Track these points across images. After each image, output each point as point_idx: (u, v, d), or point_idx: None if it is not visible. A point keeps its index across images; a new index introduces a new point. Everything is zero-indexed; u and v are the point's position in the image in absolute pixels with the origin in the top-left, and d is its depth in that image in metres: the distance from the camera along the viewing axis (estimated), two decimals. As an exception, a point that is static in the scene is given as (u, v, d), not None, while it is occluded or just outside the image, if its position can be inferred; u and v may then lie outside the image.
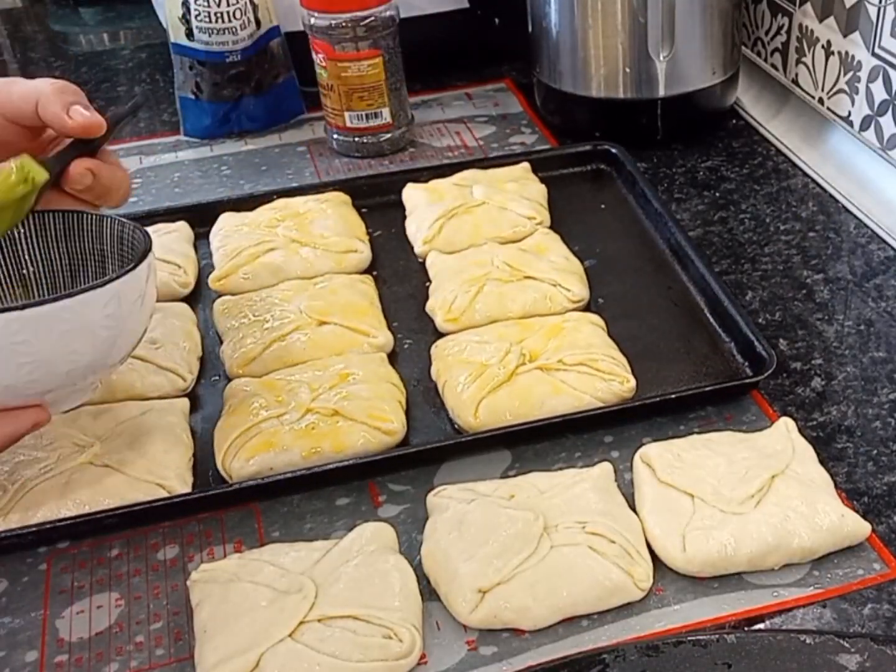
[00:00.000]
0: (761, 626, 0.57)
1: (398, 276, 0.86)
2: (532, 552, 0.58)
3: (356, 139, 1.04)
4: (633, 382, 0.71)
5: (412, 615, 0.56)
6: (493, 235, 0.86)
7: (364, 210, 0.92)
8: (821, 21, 0.96)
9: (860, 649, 0.50)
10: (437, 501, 0.63)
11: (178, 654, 0.58)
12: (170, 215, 0.92)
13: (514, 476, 0.66)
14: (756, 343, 0.72)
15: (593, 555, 0.58)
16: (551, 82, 1.04)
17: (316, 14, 0.98)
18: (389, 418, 0.68)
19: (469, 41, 1.18)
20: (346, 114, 1.03)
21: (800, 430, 0.66)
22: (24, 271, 0.67)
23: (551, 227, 0.88)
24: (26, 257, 0.67)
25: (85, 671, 0.57)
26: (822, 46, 0.97)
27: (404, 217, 0.92)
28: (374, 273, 0.86)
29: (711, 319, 0.78)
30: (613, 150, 0.97)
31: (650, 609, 0.58)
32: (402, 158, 1.05)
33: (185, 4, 1.02)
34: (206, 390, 0.76)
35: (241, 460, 0.66)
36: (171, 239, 0.88)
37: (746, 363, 0.73)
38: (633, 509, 0.62)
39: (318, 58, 1.01)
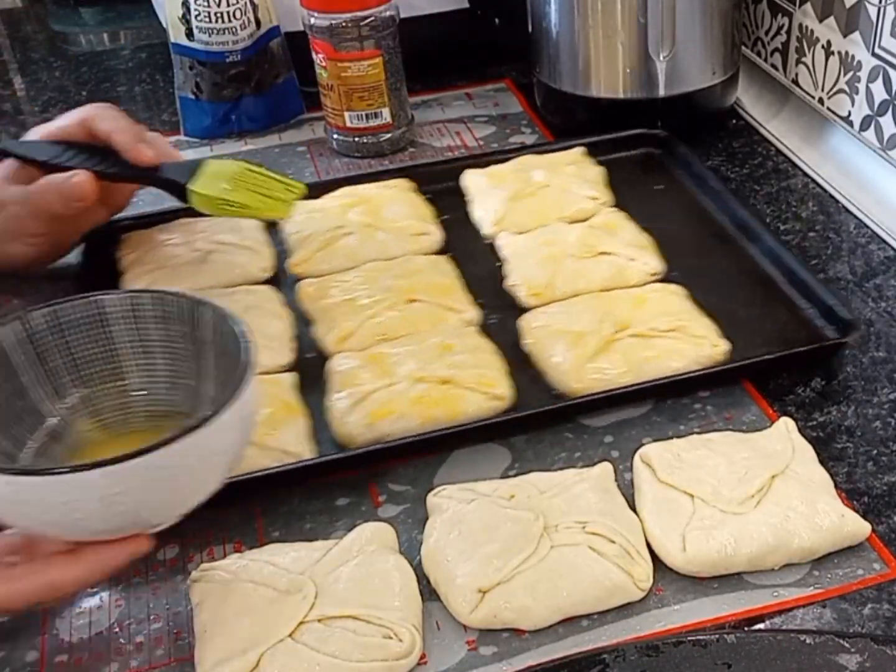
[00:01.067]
0: (761, 626, 0.57)
1: (469, 257, 0.87)
2: (532, 552, 0.58)
3: (356, 139, 1.04)
4: (725, 346, 0.72)
5: (412, 615, 0.56)
6: (558, 216, 0.88)
7: (427, 196, 0.93)
8: (821, 21, 0.96)
9: (860, 649, 0.50)
10: (437, 501, 0.63)
11: (178, 654, 0.58)
12: None
13: (514, 476, 0.66)
14: (839, 306, 0.74)
15: (593, 555, 0.58)
16: (551, 82, 1.04)
17: (316, 14, 0.98)
18: (498, 384, 0.70)
19: (469, 41, 1.18)
20: (346, 114, 1.03)
21: (800, 430, 0.66)
22: (119, 355, 0.62)
23: (615, 206, 0.90)
24: (124, 340, 0.62)
25: (85, 671, 0.57)
26: (822, 46, 0.97)
27: (466, 202, 0.93)
28: (447, 255, 0.87)
29: (787, 287, 0.80)
30: (663, 135, 0.99)
31: (650, 609, 0.58)
32: (402, 158, 1.05)
33: (185, 4, 1.02)
34: (304, 367, 0.77)
35: (360, 427, 0.68)
36: (245, 226, 0.89)
37: (832, 326, 0.75)
38: (633, 509, 0.62)
39: (318, 58, 1.01)
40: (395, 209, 0.89)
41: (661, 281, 0.80)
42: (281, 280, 0.86)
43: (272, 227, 0.91)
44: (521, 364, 0.75)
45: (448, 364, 0.71)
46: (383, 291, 0.79)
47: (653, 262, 0.81)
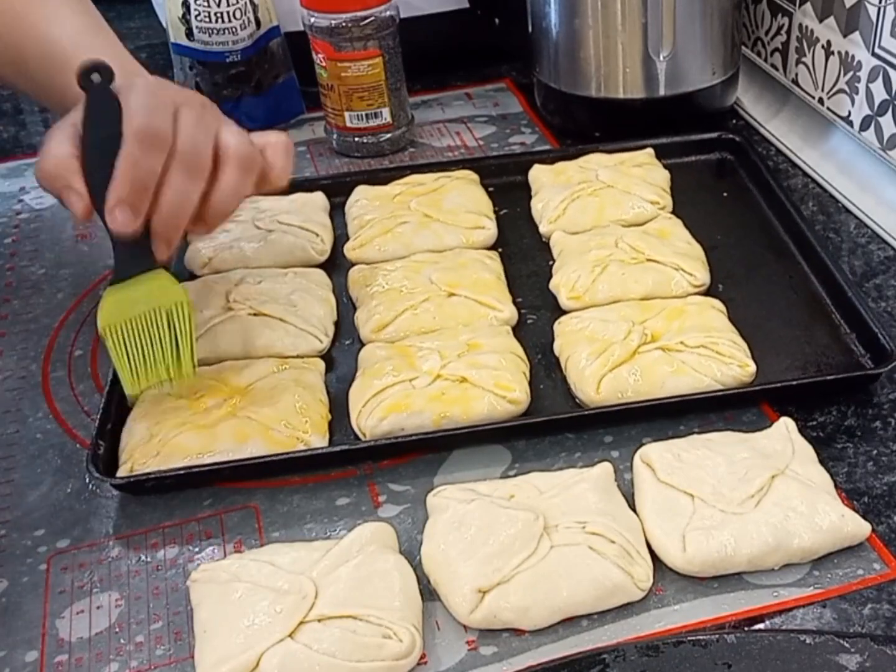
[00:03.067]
0: (761, 626, 0.57)
1: (522, 253, 0.88)
2: (532, 552, 0.58)
3: (356, 139, 1.04)
4: (753, 367, 0.71)
5: (412, 615, 0.56)
6: (616, 218, 0.88)
7: (490, 189, 0.94)
8: (821, 21, 0.96)
9: (860, 649, 0.50)
10: (437, 501, 0.63)
11: (178, 654, 0.58)
12: (308, 185, 0.95)
13: (514, 476, 0.66)
14: (879, 335, 0.73)
15: (593, 555, 0.58)
16: (551, 82, 1.04)
17: (316, 14, 0.98)
18: (515, 388, 0.70)
19: (469, 41, 1.18)
20: (346, 114, 1.03)
21: (800, 430, 0.66)
22: None
23: (674, 213, 0.90)
24: None
25: (85, 671, 0.57)
26: (822, 46, 0.97)
27: (529, 197, 0.93)
28: (499, 250, 0.87)
29: (833, 309, 0.79)
30: (738, 140, 0.98)
31: (650, 609, 0.58)
32: (402, 158, 1.05)
33: (185, 4, 1.02)
34: (341, 353, 0.78)
35: (374, 419, 0.68)
36: (309, 208, 0.91)
37: (868, 355, 0.74)
38: (633, 509, 0.62)
39: (318, 58, 1.01)
40: (456, 200, 0.90)
41: (707, 293, 0.80)
42: (336, 263, 0.87)
43: (335, 209, 0.92)
44: (548, 367, 0.75)
45: (470, 363, 0.71)
46: (425, 283, 0.80)
47: (698, 273, 0.80)
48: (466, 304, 0.78)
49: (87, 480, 0.69)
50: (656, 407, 0.69)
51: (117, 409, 0.72)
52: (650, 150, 0.96)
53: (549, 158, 0.97)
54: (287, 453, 0.67)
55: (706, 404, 0.70)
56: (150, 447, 0.67)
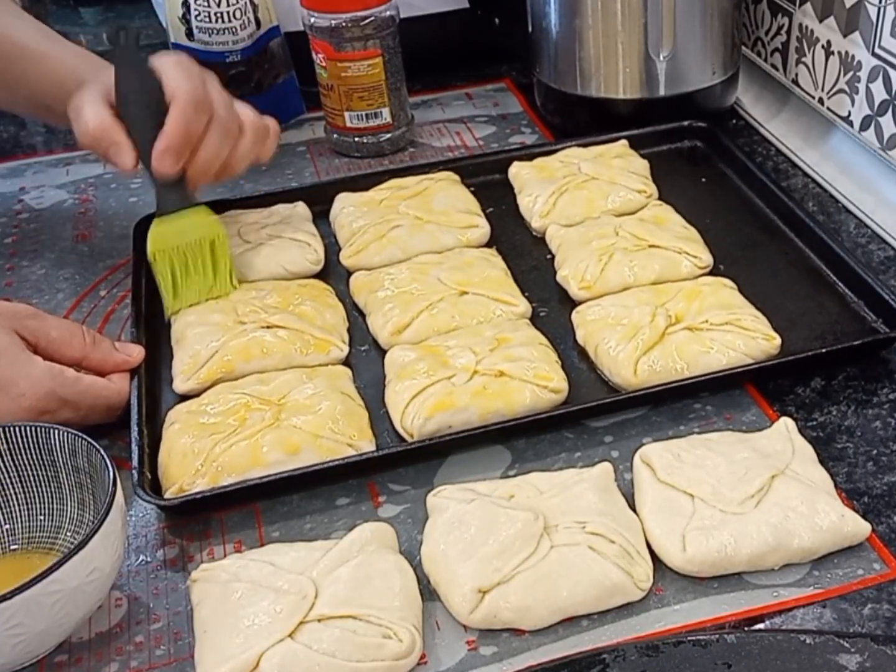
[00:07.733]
0: (761, 626, 0.57)
1: (517, 249, 0.88)
2: (532, 552, 0.58)
3: (356, 139, 1.04)
4: (778, 339, 0.73)
5: (412, 615, 0.56)
6: (606, 209, 0.89)
7: (472, 189, 0.94)
8: (821, 21, 0.96)
9: (860, 649, 0.50)
10: (437, 501, 0.63)
11: (178, 654, 0.58)
12: (288, 196, 0.94)
13: (514, 476, 0.66)
14: (889, 300, 0.75)
15: (593, 555, 0.58)
16: (551, 82, 1.04)
17: (316, 14, 0.98)
18: (553, 377, 0.70)
19: (469, 41, 1.18)
20: (346, 114, 1.03)
21: (800, 430, 0.66)
22: None
23: (660, 200, 0.91)
24: None
25: (85, 671, 0.57)
26: (822, 46, 0.97)
27: (511, 194, 0.94)
28: (494, 247, 0.87)
29: (836, 280, 0.80)
30: (707, 127, 0.99)
31: (650, 609, 0.58)
32: (402, 158, 1.05)
33: (185, 4, 1.02)
34: (360, 359, 0.78)
35: (420, 419, 0.68)
36: (295, 219, 0.90)
37: (880, 320, 0.76)
38: (633, 509, 0.62)
39: (318, 58, 1.01)
40: (445, 201, 0.90)
41: (709, 274, 0.81)
42: (331, 272, 0.87)
43: (321, 218, 0.92)
44: (573, 357, 0.76)
45: (504, 357, 0.71)
46: (435, 284, 0.80)
47: (703, 256, 0.82)
48: (481, 302, 0.78)
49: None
50: (699, 384, 0.70)
51: (149, 428, 0.71)
52: (624, 142, 0.97)
53: (525, 155, 0.97)
54: (282, 473, 0.65)
55: (747, 377, 0.72)
56: (196, 466, 0.66)
